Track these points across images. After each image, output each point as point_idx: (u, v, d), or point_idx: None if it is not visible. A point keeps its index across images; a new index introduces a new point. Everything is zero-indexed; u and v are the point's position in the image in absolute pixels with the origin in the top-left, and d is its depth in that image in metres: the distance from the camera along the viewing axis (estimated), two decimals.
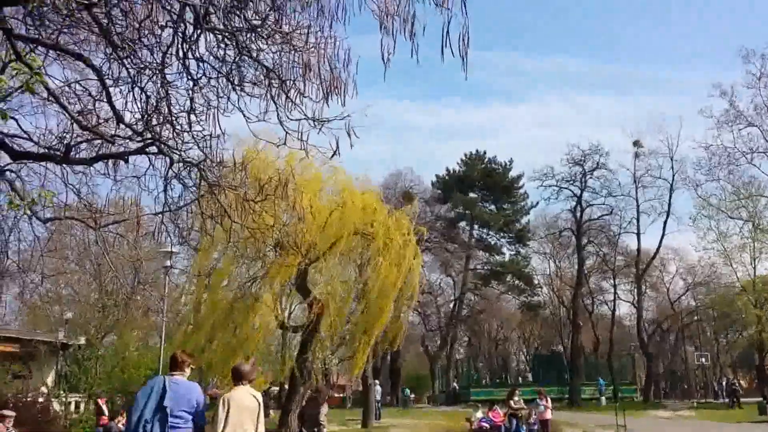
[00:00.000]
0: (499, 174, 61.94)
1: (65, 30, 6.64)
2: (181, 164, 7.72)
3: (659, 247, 51.84)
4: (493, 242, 62.78)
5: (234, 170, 8.63)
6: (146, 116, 7.07)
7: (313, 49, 6.72)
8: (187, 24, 6.32)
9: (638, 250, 52.52)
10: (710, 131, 44.70)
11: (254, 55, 6.88)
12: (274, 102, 6.82)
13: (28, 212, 6.98)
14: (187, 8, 6.11)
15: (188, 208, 8.75)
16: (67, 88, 7.35)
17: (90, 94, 7.53)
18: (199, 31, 6.35)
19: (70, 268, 36.62)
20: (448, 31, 5.85)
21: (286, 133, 6.99)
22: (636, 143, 51.48)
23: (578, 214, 52.29)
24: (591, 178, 51.69)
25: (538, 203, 59.77)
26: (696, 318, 62.08)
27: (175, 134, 7.24)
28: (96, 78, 6.72)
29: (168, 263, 22.56)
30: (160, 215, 8.28)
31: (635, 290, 55.60)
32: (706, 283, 57.39)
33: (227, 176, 8.32)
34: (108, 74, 6.82)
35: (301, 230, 15.41)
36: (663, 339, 65.28)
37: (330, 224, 19.89)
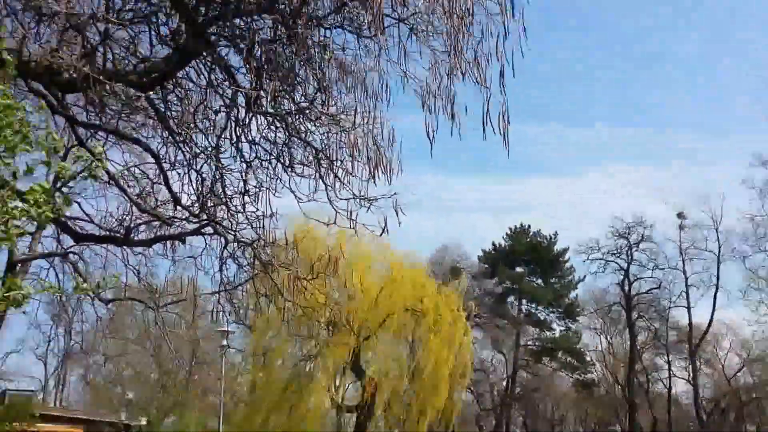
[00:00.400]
0: (545, 248, 61.10)
1: (124, 117, 7.01)
2: (235, 244, 7.93)
3: (711, 321, 49.63)
4: (542, 317, 61.28)
5: (286, 249, 8.80)
6: (202, 198, 7.33)
7: (359, 129, 6.93)
8: (240, 108, 6.62)
9: (690, 324, 50.49)
10: (754, 201, 43.37)
11: (303, 136, 7.13)
12: (324, 182, 7.00)
13: (91, 294, 7.21)
14: (239, 93, 6.40)
15: (243, 287, 8.91)
16: (126, 172, 7.70)
17: (148, 177, 7.88)
18: (250, 115, 6.64)
19: (131, 349, 37.26)
20: (488, 110, 6.01)
21: (336, 212, 7.13)
22: (680, 215, 50.37)
23: (626, 288, 51.08)
24: (637, 251, 50.75)
25: (585, 277, 58.44)
26: (754, 395, 58.86)
27: (229, 215, 7.47)
28: (154, 162, 7.03)
29: (224, 342, 22.75)
30: (216, 294, 8.46)
31: (690, 366, 53.35)
32: (762, 359, 54.70)
33: (279, 255, 8.48)
34: (165, 158, 7.15)
35: (353, 308, 15.47)
36: (722, 418, 61.81)
37: (380, 301, 19.95)
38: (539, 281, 61.66)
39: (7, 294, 3.36)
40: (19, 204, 3.07)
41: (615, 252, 51.02)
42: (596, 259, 51.63)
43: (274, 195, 7.29)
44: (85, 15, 5.16)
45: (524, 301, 60.08)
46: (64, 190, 6.91)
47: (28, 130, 3.02)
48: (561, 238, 61.61)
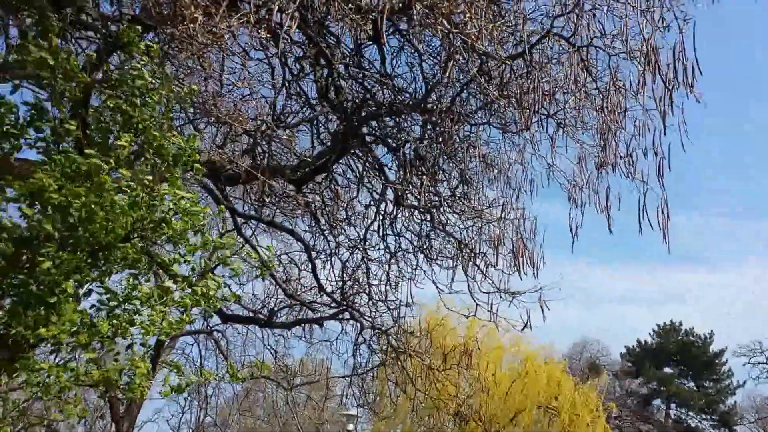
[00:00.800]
0: (698, 347, 56.62)
1: (280, 210, 7.42)
2: (371, 330, 8.04)
3: None
4: (694, 424, 56.19)
5: (419, 337, 8.79)
6: (343, 285, 7.54)
7: (501, 221, 6.90)
8: (388, 202, 6.81)
9: None
10: None
11: (446, 228, 7.18)
12: (465, 273, 6.95)
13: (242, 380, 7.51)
14: (389, 188, 6.60)
15: (373, 373, 8.97)
16: (276, 260, 8.09)
17: (294, 263, 8.24)
18: (397, 208, 6.80)
19: (260, 426, 37.96)
20: (644, 204, 5.79)
21: (477, 304, 7.03)
22: None
23: None
24: None
25: (745, 382, 53.32)
26: None
27: (371, 303, 7.61)
28: (302, 250, 7.35)
29: (351, 427, 22.60)
30: (347, 378, 8.57)
31: None
32: None
33: (411, 342, 8.49)
34: (312, 246, 7.46)
35: (482, 401, 14.98)
36: None
37: (511, 395, 19.15)
38: (691, 384, 57.05)
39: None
40: (189, 291, 3.32)
41: None
42: (759, 364, 47.29)
43: (416, 285, 7.33)
44: (254, 124, 5.60)
45: (673, 405, 55.70)
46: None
47: (208, 237, 3.30)
48: (718, 337, 57.14)
